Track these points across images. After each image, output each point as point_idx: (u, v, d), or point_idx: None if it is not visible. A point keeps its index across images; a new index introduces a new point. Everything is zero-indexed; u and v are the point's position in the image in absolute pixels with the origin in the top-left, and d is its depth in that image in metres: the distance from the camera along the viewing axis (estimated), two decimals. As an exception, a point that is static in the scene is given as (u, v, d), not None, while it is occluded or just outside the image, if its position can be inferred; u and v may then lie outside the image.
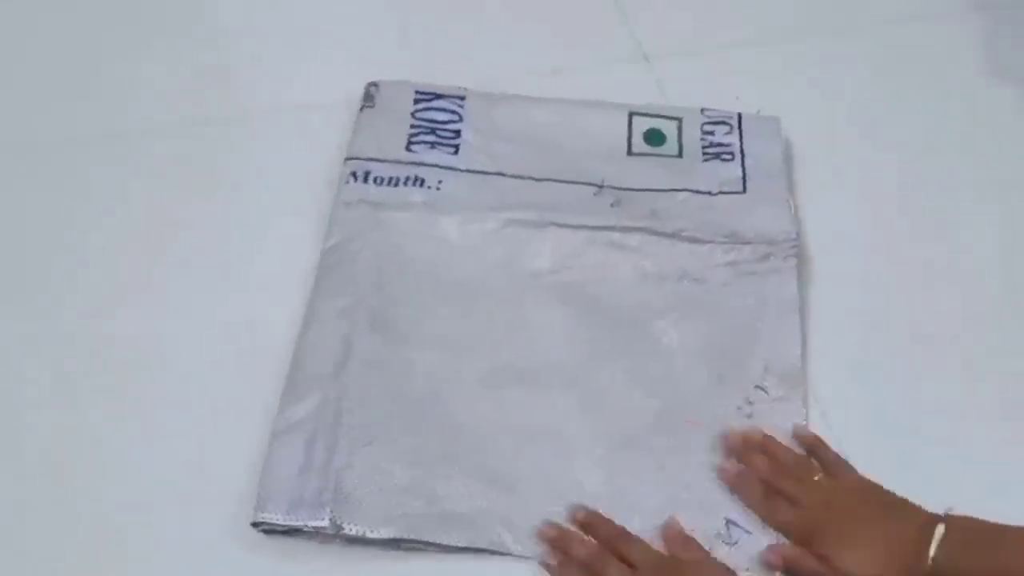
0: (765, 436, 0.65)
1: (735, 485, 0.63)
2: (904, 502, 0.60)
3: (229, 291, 0.74)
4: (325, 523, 0.61)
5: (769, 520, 0.62)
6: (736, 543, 0.62)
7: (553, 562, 0.60)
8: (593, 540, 0.61)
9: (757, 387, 0.68)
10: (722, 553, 0.61)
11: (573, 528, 0.62)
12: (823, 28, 0.93)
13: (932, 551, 0.55)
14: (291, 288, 0.72)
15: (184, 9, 0.94)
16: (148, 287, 0.74)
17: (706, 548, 0.61)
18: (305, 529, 0.61)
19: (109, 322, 0.72)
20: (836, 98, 0.87)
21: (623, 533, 0.62)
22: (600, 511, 0.62)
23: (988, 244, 0.77)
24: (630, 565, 0.60)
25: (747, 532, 0.62)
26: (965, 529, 0.56)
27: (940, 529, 0.56)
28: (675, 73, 0.87)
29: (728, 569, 0.59)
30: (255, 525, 0.61)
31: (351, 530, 0.61)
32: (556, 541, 0.61)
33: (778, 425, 0.66)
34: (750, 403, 0.67)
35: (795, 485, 0.62)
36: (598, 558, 0.60)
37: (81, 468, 0.65)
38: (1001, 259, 0.76)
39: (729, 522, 0.63)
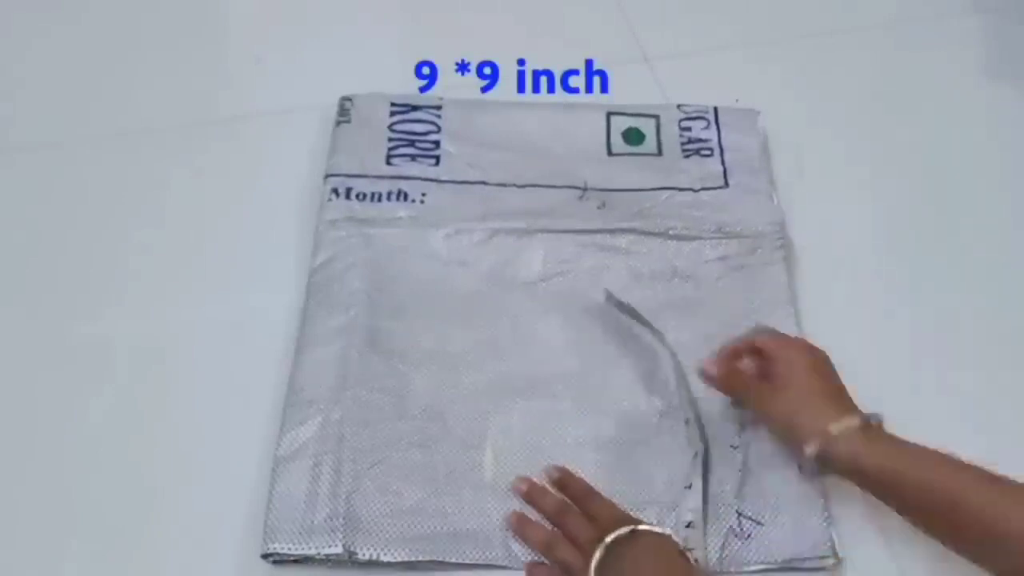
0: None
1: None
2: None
3: (231, 290, 0.73)
4: (339, 550, 0.60)
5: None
6: (749, 536, 0.62)
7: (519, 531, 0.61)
8: (560, 495, 0.63)
9: None
10: (735, 547, 0.62)
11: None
12: (824, 29, 0.94)
13: None
14: (294, 286, 0.72)
15: (184, 10, 0.93)
16: (148, 287, 0.74)
17: (718, 543, 0.62)
18: (317, 557, 0.60)
19: (107, 322, 0.71)
20: (837, 98, 0.88)
21: (590, 490, 0.63)
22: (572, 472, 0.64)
23: (978, 236, 0.78)
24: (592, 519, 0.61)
25: (758, 524, 0.62)
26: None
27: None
28: (676, 74, 0.88)
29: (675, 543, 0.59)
30: (265, 556, 0.60)
31: (364, 555, 0.60)
32: (527, 495, 0.62)
33: None
34: (751, 394, 0.68)
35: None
36: (562, 510, 0.61)
37: (80, 480, 0.64)
38: (987, 248, 0.78)
39: (740, 515, 0.63)
